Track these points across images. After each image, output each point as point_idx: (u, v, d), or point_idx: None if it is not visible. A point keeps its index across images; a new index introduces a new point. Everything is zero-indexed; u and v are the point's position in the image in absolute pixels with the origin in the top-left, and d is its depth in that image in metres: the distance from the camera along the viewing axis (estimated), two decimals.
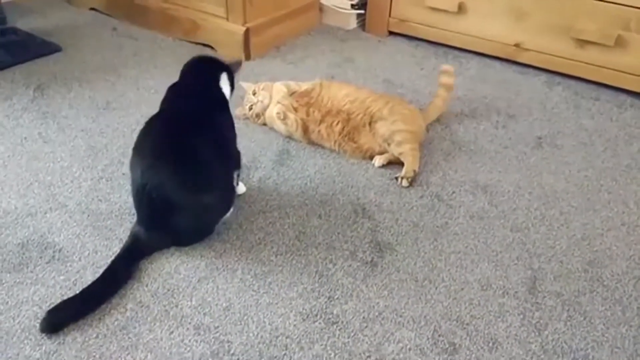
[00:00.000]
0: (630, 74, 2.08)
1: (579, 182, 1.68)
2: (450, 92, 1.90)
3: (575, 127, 1.95)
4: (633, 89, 2.11)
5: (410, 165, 1.65)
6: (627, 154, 1.82)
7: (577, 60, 2.16)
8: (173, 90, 1.47)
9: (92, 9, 2.72)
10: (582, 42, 2.11)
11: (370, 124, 1.72)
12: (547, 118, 1.99)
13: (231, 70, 1.53)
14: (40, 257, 1.36)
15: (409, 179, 1.63)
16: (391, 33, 2.58)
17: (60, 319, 1.19)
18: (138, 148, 1.35)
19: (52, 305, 1.21)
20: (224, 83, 1.51)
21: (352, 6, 2.60)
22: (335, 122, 1.73)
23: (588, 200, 1.61)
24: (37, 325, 1.19)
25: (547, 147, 1.84)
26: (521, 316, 1.26)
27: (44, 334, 1.17)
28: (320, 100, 1.77)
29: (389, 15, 2.52)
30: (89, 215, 1.49)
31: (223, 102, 1.49)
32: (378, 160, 1.71)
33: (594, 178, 1.70)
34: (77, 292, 1.24)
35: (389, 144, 1.69)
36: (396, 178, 1.65)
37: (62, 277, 1.31)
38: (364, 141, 1.72)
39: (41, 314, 1.21)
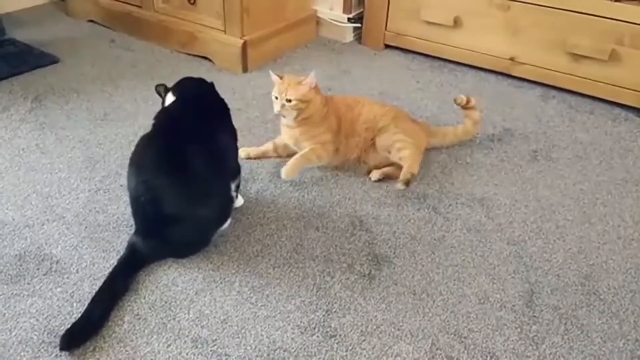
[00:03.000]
0: (624, 88, 2.10)
1: (574, 195, 1.69)
2: (475, 126, 1.86)
3: (571, 140, 1.97)
4: (627, 102, 2.13)
5: (408, 167, 1.63)
6: (622, 167, 1.83)
7: (572, 74, 2.19)
8: (172, 103, 1.47)
9: (90, 20, 2.74)
10: (577, 57, 2.14)
11: (372, 139, 1.72)
12: (542, 131, 2.01)
13: None
14: (38, 269, 1.36)
15: (405, 182, 1.61)
16: (387, 46, 2.60)
17: (75, 339, 1.18)
18: (134, 159, 1.35)
19: (61, 328, 1.20)
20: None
21: (349, 19, 2.62)
22: (353, 154, 1.74)
23: (584, 213, 1.62)
24: (35, 337, 1.19)
25: (542, 160, 1.85)
26: (518, 330, 1.26)
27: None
28: (343, 127, 1.73)
29: (385, 29, 2.54)
30: (86, 227, 1.49)
31: (224, 112, 1.49)
32: (374, 174, 1.71)
33: (590, 191, 1.71)
34: (80, 311, 1.23)
35: (389, 152, 1.69)
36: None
37: (59, 289, 1.30)
38: (371, 157, 1.73)
39: (38, 326, 1.21)
